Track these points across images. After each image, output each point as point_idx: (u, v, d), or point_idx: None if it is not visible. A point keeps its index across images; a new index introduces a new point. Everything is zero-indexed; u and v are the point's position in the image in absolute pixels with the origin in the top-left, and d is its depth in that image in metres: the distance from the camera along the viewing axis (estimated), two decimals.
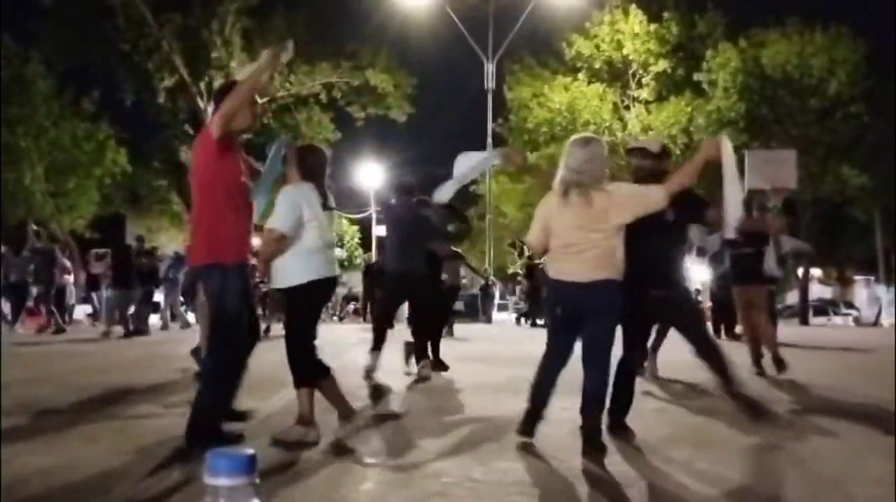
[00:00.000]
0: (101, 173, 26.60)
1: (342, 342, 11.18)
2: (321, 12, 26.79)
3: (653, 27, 27.92)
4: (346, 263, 37.17)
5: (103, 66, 26.51)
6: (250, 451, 1.04)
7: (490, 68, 25.81)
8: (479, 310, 23.66)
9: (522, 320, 20.89)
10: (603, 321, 4.11)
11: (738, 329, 11.32)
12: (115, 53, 25.74)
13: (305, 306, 4.52)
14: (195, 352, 7.14)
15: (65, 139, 25.81)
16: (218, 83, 25.90)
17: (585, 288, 4.08)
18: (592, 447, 4.02)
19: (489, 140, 26.56)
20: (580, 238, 4.10)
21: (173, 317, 16.52)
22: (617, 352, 4.33)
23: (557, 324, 4.33)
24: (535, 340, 4.36)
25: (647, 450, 4.24)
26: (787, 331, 13.01)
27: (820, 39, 26.97)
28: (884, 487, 3.55)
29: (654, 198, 4.12)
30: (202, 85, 26.20)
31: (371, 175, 36.93)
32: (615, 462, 3.96)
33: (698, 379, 6.69)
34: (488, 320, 22.98)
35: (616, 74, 28.76)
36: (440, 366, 7.70)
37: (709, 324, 11.77)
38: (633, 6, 27.93)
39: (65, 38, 24.88)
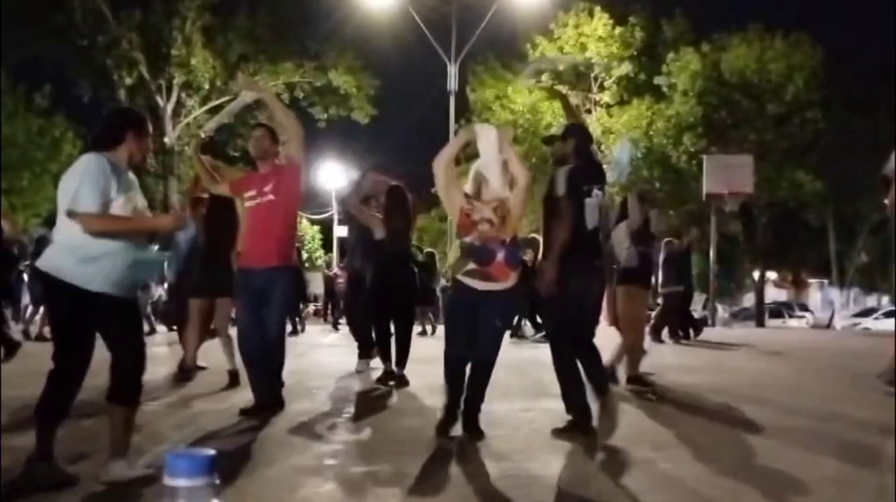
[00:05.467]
0: (58, 169, 26.08)
1: (309, 342, 11.13)
2: (285, 12, 26.59)
3: (617, 30, 28.15)
4: (307, 264, 36.97)
5: (58, 60, 26.00)
6: (210, 452, 1.03)
7: (453, 70, 25.82)
8: (440, 310, 23.57)
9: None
10: None
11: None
12: (70, 48, 25.26)
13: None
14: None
15: (19, 135, 25.24)
16: (178, 80, 25.64)
17: None
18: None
19: None
20: None
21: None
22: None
23: None
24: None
25: (607, 451, 4.28)
26: (742, 332, 13.23)
27: (779, 45, 27.43)
28: (838, 486, 3.63)
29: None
30: (162, 82, 25.84)
31: (333, 176, 36.81)
32: (576, 462, 3.99)
33: (661, 380, 6.78)
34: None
35: (579, 77, 28.95)
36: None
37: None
38: (598, 9, 28.13)
39: (18, 32, 24.31)
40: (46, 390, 3.45)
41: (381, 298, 6.90)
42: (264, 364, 5.33)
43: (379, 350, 7.10)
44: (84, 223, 3.39)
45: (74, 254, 3.42)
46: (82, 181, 3.41)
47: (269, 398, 5.29)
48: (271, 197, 5.20)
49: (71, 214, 3.40)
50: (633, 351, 6.64)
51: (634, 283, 6.70)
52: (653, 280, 8.38)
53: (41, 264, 3.51)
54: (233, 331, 6.15)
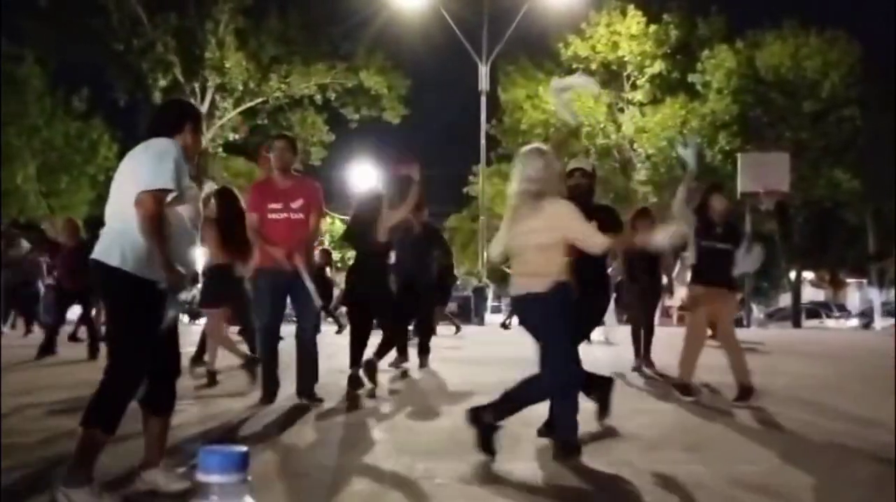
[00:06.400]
0: (95, 171, 26.54)
1: (341, 342, 11.17)
2: (315, 14, 26.82)
3: (651, 28, 27.93)
4: (339, 264, 37.14)
5: (94, 64, 26.45)
6: (243, 448, 1.04)
7: (484, 70, 25.82)
8: (471, 311, 23.57)
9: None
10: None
11: None
12: (106, 52, 25.68)
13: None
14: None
15: (57, 138, 25.71)
16: (212, 83, 25.98)
17: (522, 300, 4.13)
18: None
19: (482, 142, 26.56)
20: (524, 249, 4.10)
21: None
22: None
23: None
24: (523, 343, 4.35)
25: (639, 451, 4.25)
26: (778, 333, 13.05)
27: (814, 42, 27.04)
28: (872, 489, 3.57)
29: (594, 242, 4.00)
30: (196, 85, 26.17)
31: (365, 176, 36.96)
32: (607, 462, 3.97)
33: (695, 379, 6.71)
34: (481, 322, 22.92)
35: (612, 76, 28.78)
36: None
37: None
38: (632, 7, 27.95)
39: (55, 36, 24.75)
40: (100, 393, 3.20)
41: (354, 303, 6.72)
42: (277, 360, 5.71)
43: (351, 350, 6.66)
44: (153, 201, 3.08)
45: (136, 239, 3.14)
46: (164, 160, 3.14)
47: (275, 392, 5.63)
48: (301, 215, 5.54)
49: (146, 193, 3.09)
50: (693, 357, 6.23)
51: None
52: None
53: (98, 254, 3.20)
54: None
